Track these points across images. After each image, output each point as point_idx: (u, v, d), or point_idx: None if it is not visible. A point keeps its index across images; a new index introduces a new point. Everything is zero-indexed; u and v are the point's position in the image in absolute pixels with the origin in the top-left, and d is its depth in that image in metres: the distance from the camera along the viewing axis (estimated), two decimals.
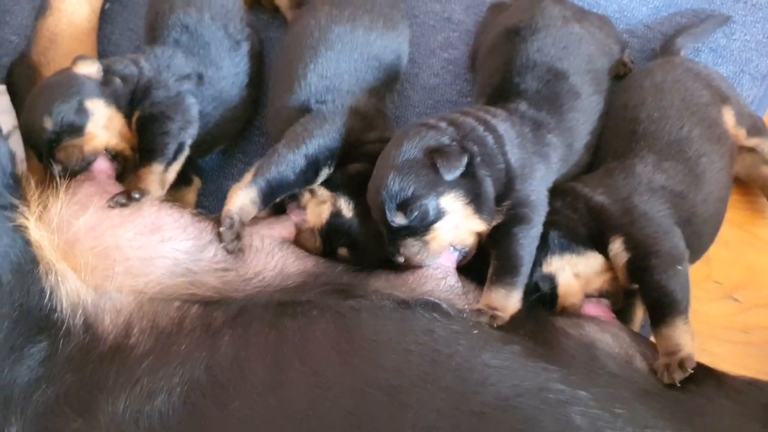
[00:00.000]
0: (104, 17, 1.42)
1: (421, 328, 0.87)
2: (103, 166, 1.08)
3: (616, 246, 1.00)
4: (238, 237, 1.01)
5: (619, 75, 1.26)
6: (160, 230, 0.99)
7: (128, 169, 1.10)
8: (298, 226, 1.09)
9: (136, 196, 0.99)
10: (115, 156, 1.09)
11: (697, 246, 1.07)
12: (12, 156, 0.97)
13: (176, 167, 1.09)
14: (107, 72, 1.10)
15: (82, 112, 1.06)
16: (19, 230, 0.90)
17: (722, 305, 1.17)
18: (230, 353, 0.84)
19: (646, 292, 0.99)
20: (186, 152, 1.11)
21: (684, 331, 0.94)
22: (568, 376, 0.84)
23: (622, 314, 1.07)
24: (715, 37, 1.31)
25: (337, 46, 1.14)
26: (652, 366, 0.94)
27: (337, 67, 1.13)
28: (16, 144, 1.11)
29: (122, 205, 0.99)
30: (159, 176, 1.05)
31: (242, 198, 1.04)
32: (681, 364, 0.90)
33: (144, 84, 1.11)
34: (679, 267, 0.98)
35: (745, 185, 1.22)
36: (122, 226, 0.98)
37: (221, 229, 1.00)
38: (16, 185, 0.95)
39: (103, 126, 1.08)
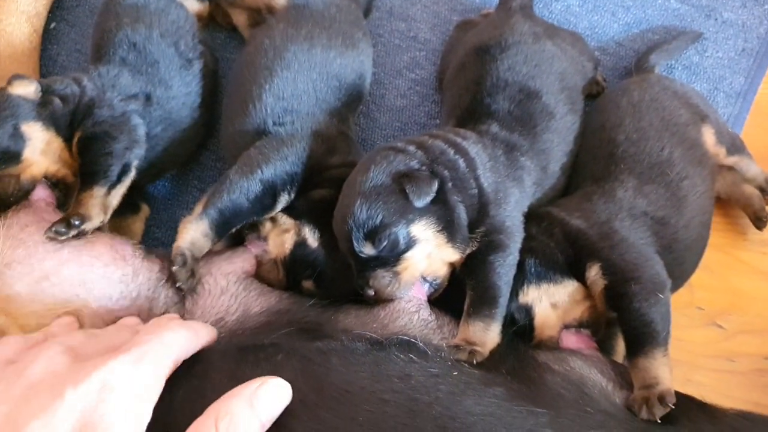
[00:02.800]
0: (50, 37, 1.34)
1: (396, 373, 0.79)
2: (42, 194, 0.99)
3: (593, 272, 0.95)
4: (192, 274, 0.93)
5: (593, 94, 1.22)
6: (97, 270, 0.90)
7: (70, 196, 1.01)
8: (258, 258, 1.01)
9: (76, 222, 0.91)
10: (55, 183, 1.00)
11: (679, 273, 1.02)
12: None
13: (120, 191, 1.01)
14: (46, 92, 1.01)
15: (17, 137, 0.97)
16: None
17: (706, 332, 1.12)
18: (186, 410, 0.75)
19: (625, 320, 0.93)
20: (132, 174, 1.02)
21: (662, 363, 0.89)
22: (556, 419, 0.77)
23: (603, 344, 1.01)
24: (688, 54, 1.28)
25: (293, 66, 1.07)
26: (627, 400, 0.88)
27: (295, 88, 1.06)
28: None
29: (61, 234, 0.90)
30: (100, 200, 0.97)
31: (193, 231, 0.96)
32: (661, 399, 0.85)
33: (85, 103, 1.02)
34: (661, 296, 0.93)
35: (725, 206, 1.18)
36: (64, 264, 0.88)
37: (173, 268, 0.92)
38: None
39: (42, 151, 0.99)
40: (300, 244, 1.00)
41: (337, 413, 0.74)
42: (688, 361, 1.10)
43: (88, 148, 1.00)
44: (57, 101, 1.01)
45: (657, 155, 1.03)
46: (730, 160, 1.12)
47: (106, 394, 0.67)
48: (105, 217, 0.97)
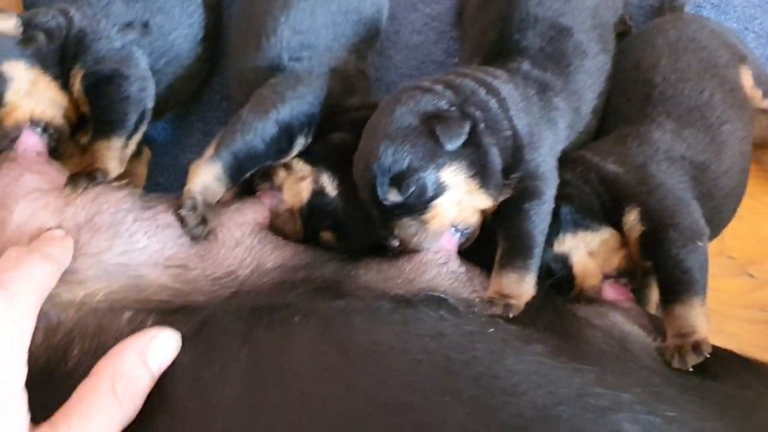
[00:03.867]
0: None
1: (428, 331, 0.73)
2: (30, 141, 0.89)
3: (632, 218, 0.89)
4: (203, 221, 0.85)
5: (619, 33, 1.14)
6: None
7: (63, 141, 0.92)
8: (272, 208, 0.94)
9: (100, 179, 0.83)
10: (45, 128, 0.90)
11: (717, 222, 0.97)
12: None
13: (137, 139, 0.93)
14: (28, 27, 0.91)
15: None
16: None
17: (737, 282, 1.08)
18: (190, 376, 0.68)
19: (662, 267, 0.87)
20: (148, 119, 0.94)
21: (700, 312, 0.84)
22: (604, 377, 0.72)
23: (637, 294, 0.96)
24: None
25: None
26: (659, 347, 0.83)
27: (313, 21, 0.97)
28: None
29: (86, 189, 0.82)
30: (119, 152, 0.89)
31: (205, 175, 0.88)
32: (696, 348, 0.80)
33: (75, 36, 0.92)
34: (700, 243, 0.88)
35: (756, 151, 1.11)
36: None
37: (182, 211, 0.84)
38: None
39: (26, 93, 0.89)
40: (318, 192, 0.92)
41: (365, 375, 0.67)
42: (720, 311, 1.06)
43: (102, 91, 0.91)
44: (41, 36, 0.91)
45: (696, 98, 0.97)
46: (766, 103, 1.07)
47: None
48: (121, 169, 0.89)
